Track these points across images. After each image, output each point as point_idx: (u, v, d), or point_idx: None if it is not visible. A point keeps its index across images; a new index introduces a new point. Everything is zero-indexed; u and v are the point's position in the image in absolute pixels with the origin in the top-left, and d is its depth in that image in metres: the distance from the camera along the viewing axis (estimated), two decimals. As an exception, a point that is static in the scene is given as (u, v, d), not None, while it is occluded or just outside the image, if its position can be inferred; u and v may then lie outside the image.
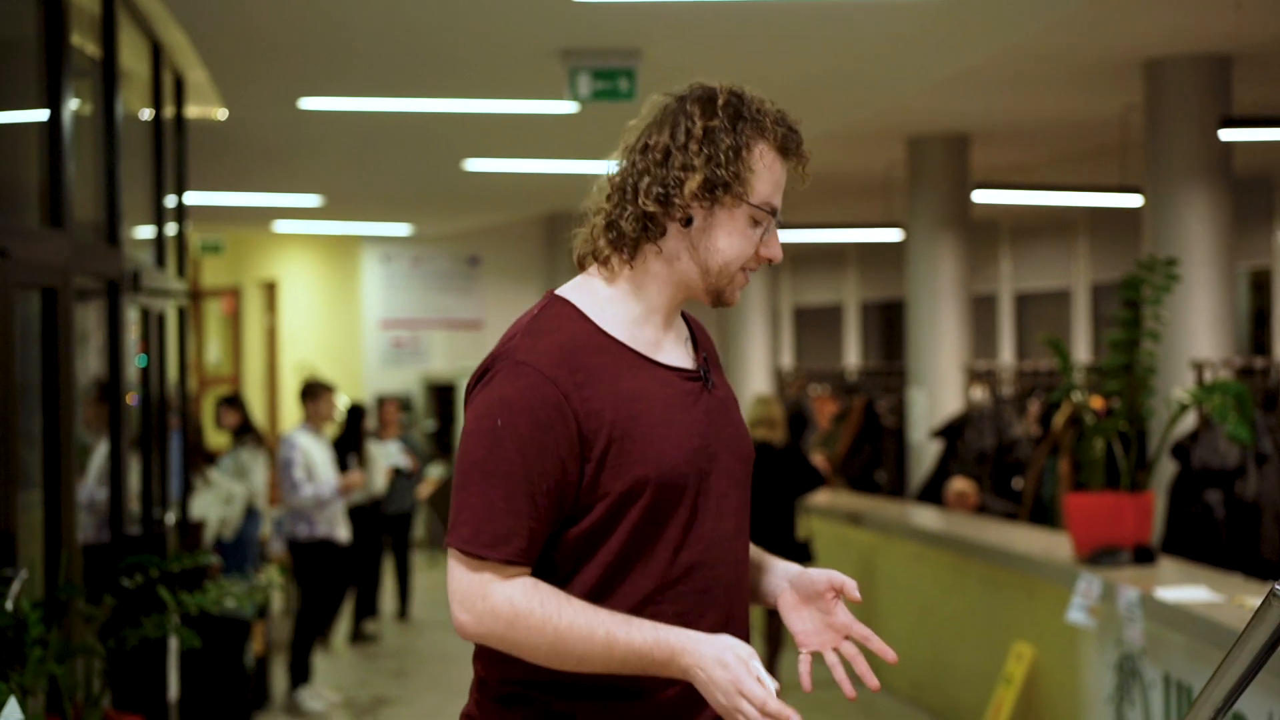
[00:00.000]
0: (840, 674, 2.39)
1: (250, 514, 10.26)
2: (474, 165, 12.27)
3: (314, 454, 9.52)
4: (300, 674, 9.48)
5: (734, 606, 2.36)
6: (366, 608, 11.92)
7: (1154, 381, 7.06)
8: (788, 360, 19.15)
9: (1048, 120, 11.81)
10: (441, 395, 18.09)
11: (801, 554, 9.56)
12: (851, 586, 2.34)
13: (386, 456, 11.67)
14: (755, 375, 15.26)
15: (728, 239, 2.31)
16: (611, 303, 2.34)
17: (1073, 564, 7.07)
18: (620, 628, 2.18)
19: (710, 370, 2.43)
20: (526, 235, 18.79)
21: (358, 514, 10.85)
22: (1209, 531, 8.66)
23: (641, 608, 2.25)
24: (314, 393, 9.64)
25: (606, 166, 2.39)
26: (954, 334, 12.62)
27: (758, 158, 2.31)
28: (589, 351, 2.26)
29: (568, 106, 9.36)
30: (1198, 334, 9.39)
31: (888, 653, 2.33)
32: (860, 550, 10.17)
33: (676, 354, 2.38)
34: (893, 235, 14.45)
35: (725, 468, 2.36)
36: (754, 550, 2.53)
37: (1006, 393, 12.55)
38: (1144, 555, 6.95)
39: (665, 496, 2.25)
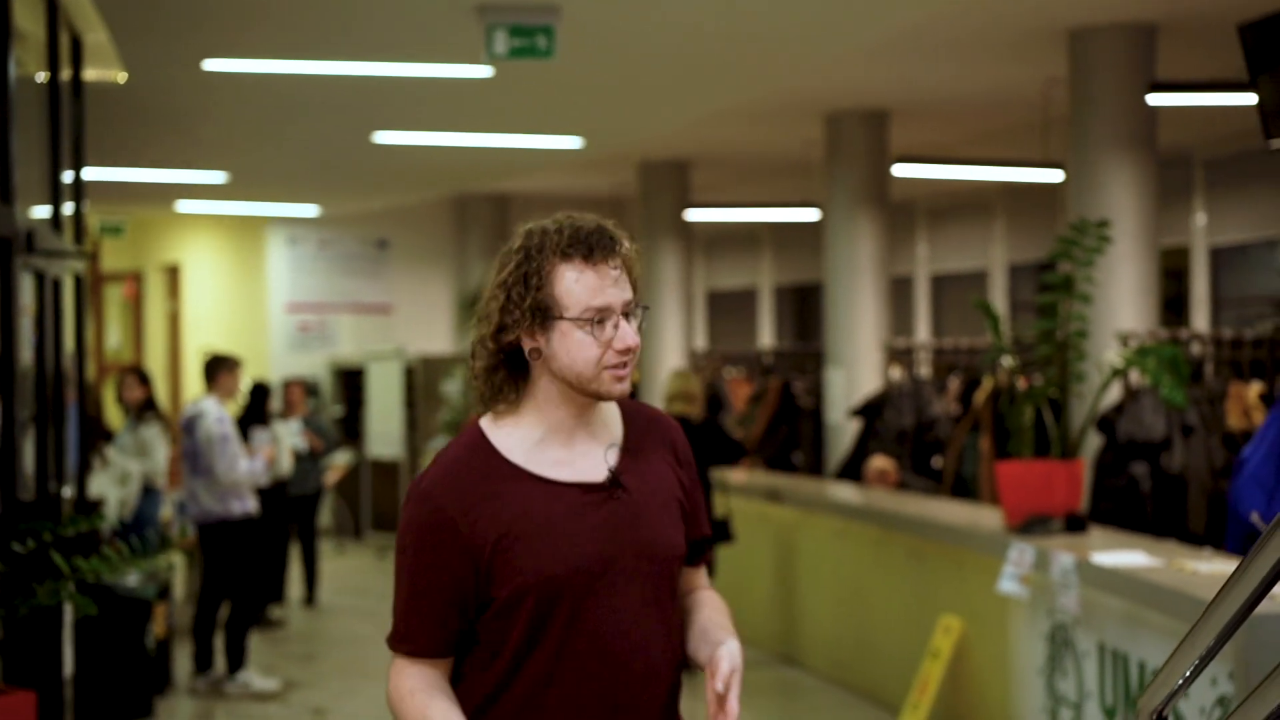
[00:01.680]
0: None
1: (149, 493, 9.90)
2: (384, 138, 11.95)
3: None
4: (237, 658, 9.15)
5: (627, 692, 2.61)
6: (272, 593, 11.58)
7: (1085, 346, 6.90)
8: (701, 343, 18.97)
9: (969, 95, 11.67)
10: (349, 380, 17.73)
11: (720, 532, 9.35)
12: (720, 674, 2.52)
13: (289, 435, 11.33)
14: (669, 358, 15.05)
15: (569, 355, 2.56)
16: (517, 428, 2.63)
17: (1003, 534, 6.91)
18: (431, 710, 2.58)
19: (624, 475, 2.65)
20: (436, 218, 18.47)
21: (262, 496, 10.50)
22: (1135, 504, 8.54)
23: (539, 690, 2.59)
24: (226, 366, 9.31)
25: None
26: (872, 313, 12.47)
27: (563, 278, 2.54)
28: (481, 477, 2.58)
29: (482, 70, 9.09)
30: (1122, 307, 9.27)
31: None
32: (780, 527, 9.98)
33: (581, 467, 2.63)
34: (810, 215, 14.31)
35: (626, 569, 2.61)
36: (701, 605, 2.79)
37: (924, 372, 12.43)
38: (1075, 524, 6.80)
39: (546, 598, 2.56)
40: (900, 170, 11.38)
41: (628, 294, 2.60)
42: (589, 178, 16.42)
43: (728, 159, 14.80)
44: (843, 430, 12.27)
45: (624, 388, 2.62)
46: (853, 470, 11.54)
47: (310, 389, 16.42)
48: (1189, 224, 12.98)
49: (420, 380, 16.57)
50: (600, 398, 2.62)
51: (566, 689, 2.58)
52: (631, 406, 2.77)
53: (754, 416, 13.98)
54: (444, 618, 2.59)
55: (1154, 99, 8.58)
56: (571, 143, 12.34)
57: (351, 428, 17.39)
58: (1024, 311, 15.38)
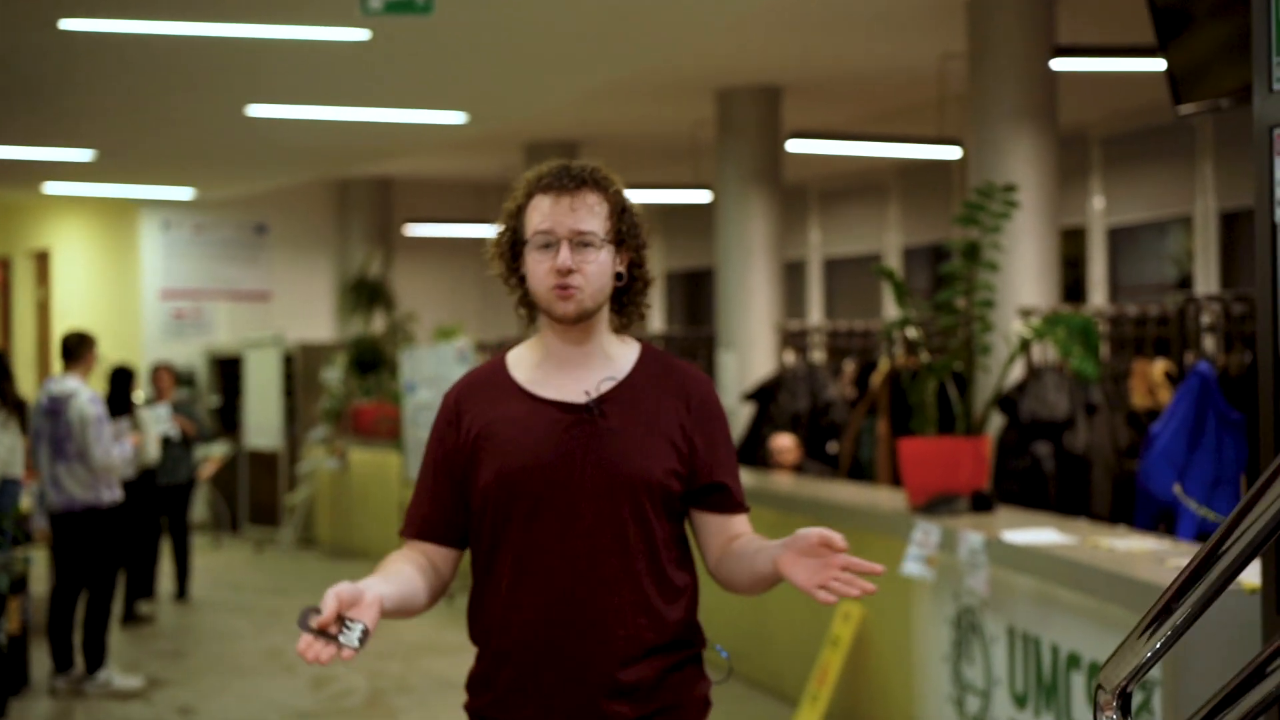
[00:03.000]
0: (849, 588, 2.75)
1: (6, 485, 9.33)
2: (258, 111, 11.44)
3: (94, 411, 8.65)
4: (97, 656, 8.62)
5: (585, 594, 2.81)
6: (141, 588, 11.04)
7: (991, 317, 6.60)
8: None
9: (864, 71, 11.40)
10: (226, 369, 17.16)
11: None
12: (838, 538, 2.74)
13: (157, 422, 10.78)
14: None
15: (530, 276, 2.87)
16: (528, 351, 2.96)
17: (906, 514, 6.58)
18: (380, 579, 2.77)
19: (608, 404, 2.86)
20: (317, 202, 17.96)
21: (130, 486, 9.94)
22: (1038, 485, 8.27)
23: (512, 591, 2.83)
24: (88, 343, 8.78)
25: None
26: (765, 296, 12.17)
27: (529, 209, 2.87)
28: (486, 385, 2.93)
29: (359, 33, 8.65)
30: (1023, 283, 9.01)
31: (875, 567, 2.72)
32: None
33: (568, 390, 2.88)
34: (701, 197, 13.99)
35: (588, 485, 2.82)
36: (751, 541, 2.97)
37: (818, 356, 12.15)
38: (982, 503, 6.50)
39: (506, 494, 2.83)
40: (794, 146, 11.06)
41: (584, 224, 2.82)
42: (475, 160, 16.01)
43: (616, 140, 14.44)
44: (736, 415, 11.94)
45: (568, 308, 2.82)
46: (745, 455, 11.21)
47: (184, 379, 15.86)
48: (1085, 205, 12.80)
49: (300, 369, 16.05)
50: (554, 319, 2.85)
51: (533, 590, 2.79)
52: (655, 354, 2.99)
53: (644, 403, 13.59)
54: (435, 505, 2.90)
55: (1058, 64, 8.33)
56: (455, 118, 11.90)
57: (228, 418, 16.84)
58: (918, 296, 15.17)
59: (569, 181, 2.84)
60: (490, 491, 2.84)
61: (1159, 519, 7.13)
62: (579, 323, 2.86)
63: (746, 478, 9.41)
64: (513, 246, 2.90)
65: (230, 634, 10.46)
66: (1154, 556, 5.01)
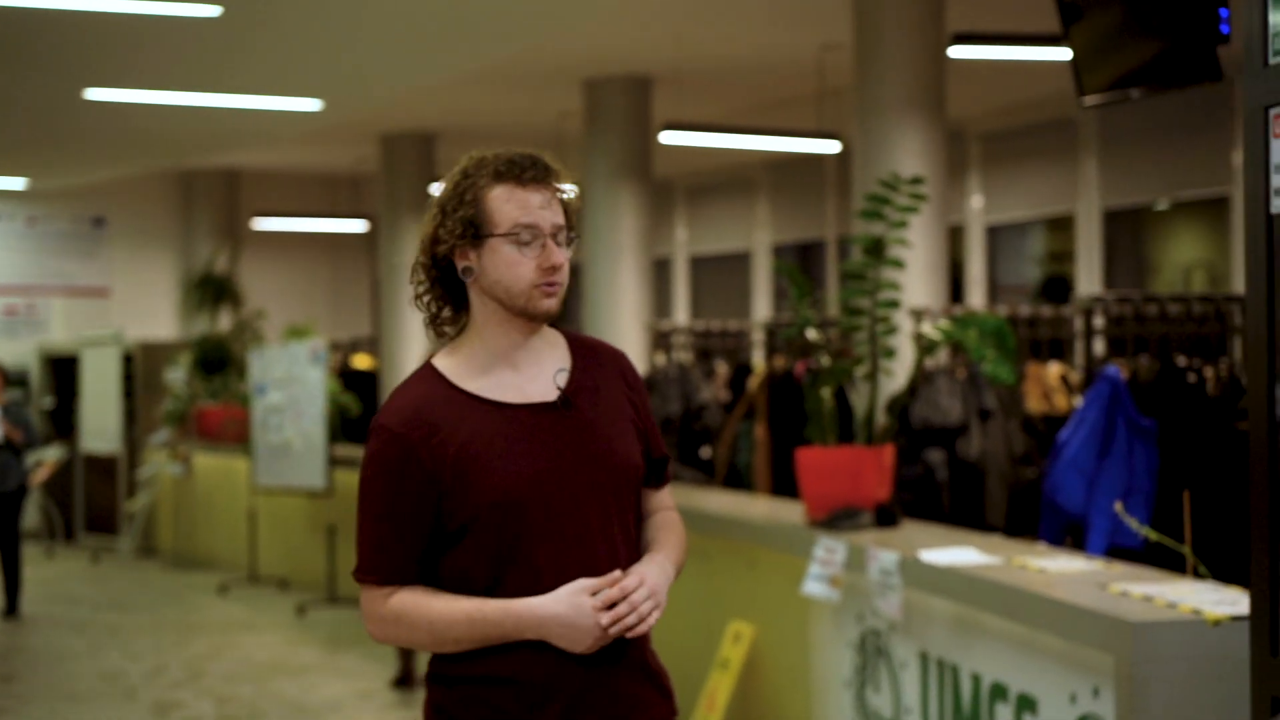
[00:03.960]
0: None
1: None
2: (96, 95, 10.71)
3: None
4: None
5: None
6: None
7: (895, 318, 6.18)
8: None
9: (738, 62, 10.97)
10: (61, 369, 16.31)
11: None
12: (613, 581, 2.69)
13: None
14: (413, 346, 14.12)
15: (499, 271, 2.68)
16: (466, 359, 2.74)
17: (804, 529, 6.13)
18: (475, 606, 2.66)
19: (575, 396, 2.77)
20: (159, 194, 17.22)
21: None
22: (930, 495, 7.89)
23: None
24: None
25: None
26: (634, 294, 11.73)
27: (494, 198, 2.68)
28: (436, 405, 2.69)
29: (209, 9, 8.02)
30: (911, 283, 8.61)
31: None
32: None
33: (530, 390, 2.74)
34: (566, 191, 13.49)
35: (584, 482, 2.73)
36: (659, 519, 2.91)
37: (683, 357, 11.73)
38: (886, 517, 6.07)
39: (510, 515, 2.68)
40: (668, 138, 10.60)
41: (559, 219, 2.72)
42: (328, 151, 15.39)
43: (478, 131, 13.92)
44: (603, 419, 11.44)
45: (551, 304, 2.70)
46: (615, 461, 10.72)
47: (15, 379, 15.02)
48: (964, 203, 12.52)
49: (141, 369, 15.31)
50: (529, 315, 2.71)
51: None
52: (576, 336, 2.89)
53: (506, 405, 13.08)
54: (409, 545, 2.70)
55: (956, 51, 7.97)
56: (309, 105, 11.28)
57: (63, 421, 16.00)
58: (787, 297, 14.83)
59: (544, 174, 2.74)
60: (490, 513, 2.68)
61: (1066, 532, 6.77)
62: (547, 321, 2.77)
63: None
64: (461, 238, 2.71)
65: (65, 654, 9.74)
66: (1091, 579, 4.60)
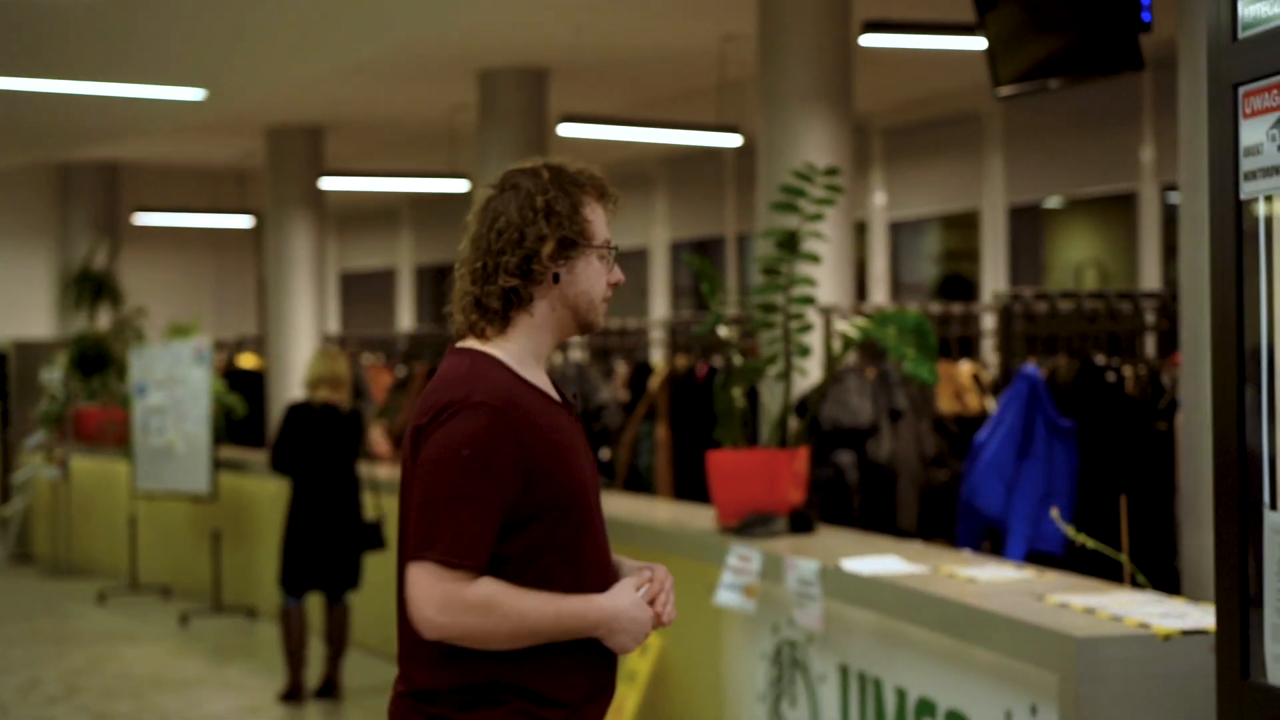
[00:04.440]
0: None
1: None
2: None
3: None
4: None
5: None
6: None
7: (809, 315, 5.93)
8: (334, 327, 17.63)
9: (637, 54, 10.69)
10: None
11: (372, 537, 8.11)
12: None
13: None
14: (300, 344, 13.70)
15: (588, 281, 2.82)
16: (516, 354, 2.79)
17: (715, 535, 5.87)
18: (557, 598, 2.69)
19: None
20: (35, 187, 16.71)
21: None
22: (840, 498, 7.65)
23: (594, 587, 2.75)
24: None
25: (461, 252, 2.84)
26: (530, 291, 11.36)
27: (588, 210, 2.82)
28: (519, 393, 2.73)
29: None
30: (820, 281, 8.38)
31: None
32: (437, 530, 8.76)
33: (553, 392, 2.84)
34: (458, 186, 13.17)
35: (595, 488, 2.86)
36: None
37: (579, 356, 11.44)
38: (801, 523, 5.81)
39: (575, 508, 2.75)
40: (566, 131, 10.29)
41: None
42: (212, 145, 14.94)
43: (368, 124, 13.54)
44: (499, 420, 11.11)
45: (602, 321, 2.88)
46: (511, 464, 10.40)
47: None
48: (867, 199, 12.34)
49: (15, 369, 14.79)
50: (590, 326, 2.85)
51: (602, 589, 2.76)
52: None
53: (398, 405, 12.71)
54: (493, 530, 2.65)
55: (868, 40, 7.75)
56: (192, 94, 10.86)
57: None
58: (685, 295, 14.60)
59: (616, 199, 2.91)
60: (567, 503, 2.71)
61: (984, 536, 6.56)
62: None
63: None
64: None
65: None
66: (1025, 589, 4.37)
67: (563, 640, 2.67)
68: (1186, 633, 3.66)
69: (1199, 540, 5.61)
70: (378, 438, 9.47)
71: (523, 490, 2.65)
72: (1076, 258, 11.80)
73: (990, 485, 6.29)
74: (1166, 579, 5.97)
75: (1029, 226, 11.63)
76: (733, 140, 10.36)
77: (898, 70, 10.39)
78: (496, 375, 2.72)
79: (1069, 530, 4.22)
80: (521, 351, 2.77)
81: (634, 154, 14.25)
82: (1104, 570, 5.66)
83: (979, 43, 6.91)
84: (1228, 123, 2.95)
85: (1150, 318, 7.50)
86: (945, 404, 7.79)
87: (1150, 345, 8.16)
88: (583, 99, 11.76)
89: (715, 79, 10.50)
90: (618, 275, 2.86)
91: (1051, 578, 4.58)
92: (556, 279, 2.77)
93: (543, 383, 2.79)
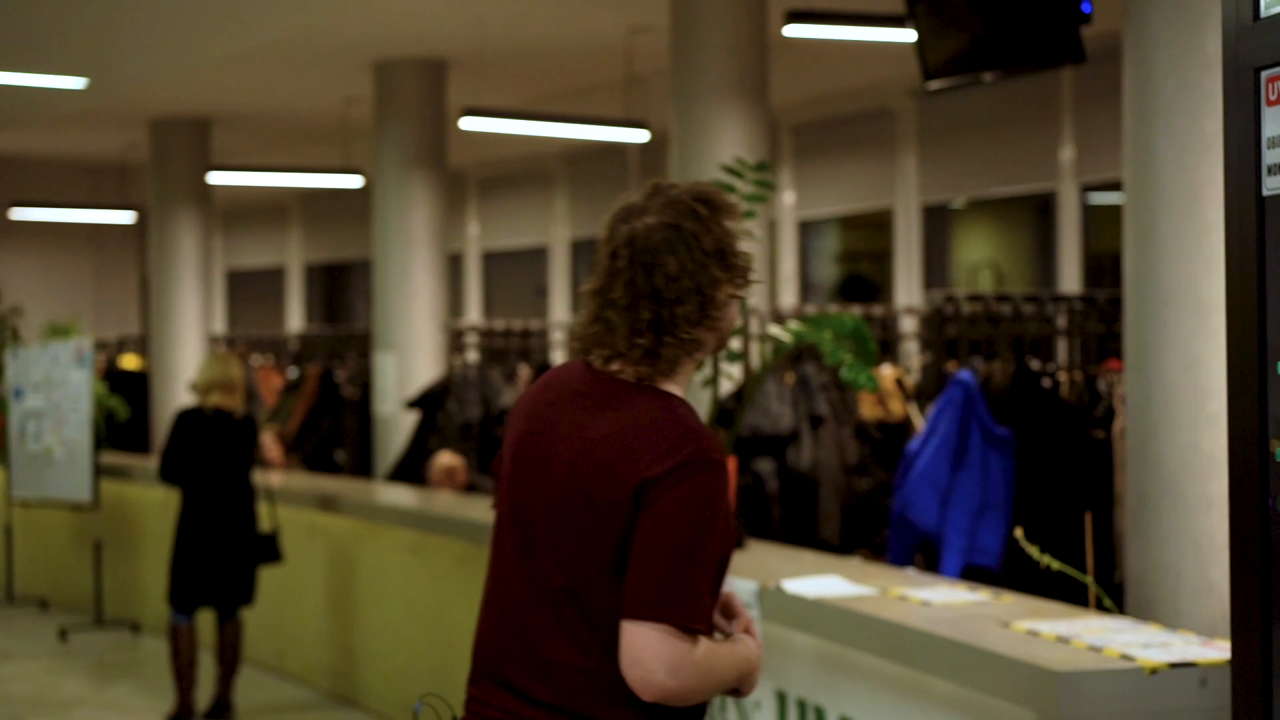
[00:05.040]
0: None
1: None
2: None
3: None
4: None
5: None
6: None
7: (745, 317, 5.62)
8: (221, 327, 17.10)
9: (540, 46, 10.34)
10: None
11: (267, 550, 7.69)
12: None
13: None
14: (186, 345, 13.22)
15: (729, 321, 2.65)
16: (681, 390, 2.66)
17: (639, 551, 5.53)
18: (733, 647, 2.62)
19: None
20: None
21: None
22: (760, 507, 7.35)
23: None
24: None
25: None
26: (428, 291, 11.00)
27: (736, 240, 2.62)
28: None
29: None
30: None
31: None
32: (335, 541, 8.37)
33: None
34: (351, 182, 12.76)
35: None
36: None
37: (473, 358, 11.08)
38: (730, 537, 5.49)
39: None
40: (468, 124, 9.91)
41: None
42: (93, 137, 14.42)
43: (257, 117, 13.09)
44: (396, 424, 10.74)
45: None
46: (409, 470, 10.03)
47: None
48: (777, 198, 12.09)
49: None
50: (722, 349, 2.72)
51: None
52: None
53: (290, 409, 12.27)
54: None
55: (791, 30, 7.47)
56: (71, 83, 10.36)
57: None
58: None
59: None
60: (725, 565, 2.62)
61: (916, 550, 6.29)
62: None
63: (426, 499, 8.24)
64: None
65: None
66: (986, 614, 4.08)
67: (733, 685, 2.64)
68: (1174, 665, 3.39)
69: (1145, 554, 5.36)
70: (269, 443, 9.06)
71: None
72: (973, 258, 11.62)
73: (924, 497, 6.01)
74: (1107, 593, 5.72)
75: (935, 227, 11.41)
76: (639, 136, 10.05)
77: (810, 65, 10.13)
78: (704, 426, 2.58)
79: (1033, 552, 3.94)
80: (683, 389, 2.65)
81: (533, 150, 13.90)
82: (1047, 588, 5.41)
83: (906, 34, 6.64)
84: (1248, 111, 2.67)
85: (1063, 321, 7.29)
86: (868, 410, 7.52)
87: (1065, 350, 7.94)
88: (484, 92, 11.40)
89: (622, 73, 10.18)
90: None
91: (1010, 600, 4.29)
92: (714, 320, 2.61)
93: None
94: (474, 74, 11.09)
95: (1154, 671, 3.38)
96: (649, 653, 2.46)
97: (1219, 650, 3.49)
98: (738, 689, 2.66)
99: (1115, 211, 10.72)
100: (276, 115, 12.99)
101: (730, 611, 2.70)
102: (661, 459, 2.50)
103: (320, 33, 9.87)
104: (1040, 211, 11.29)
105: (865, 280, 12.62)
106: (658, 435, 2.53)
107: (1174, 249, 5.34)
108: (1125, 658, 3.44)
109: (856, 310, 8.16)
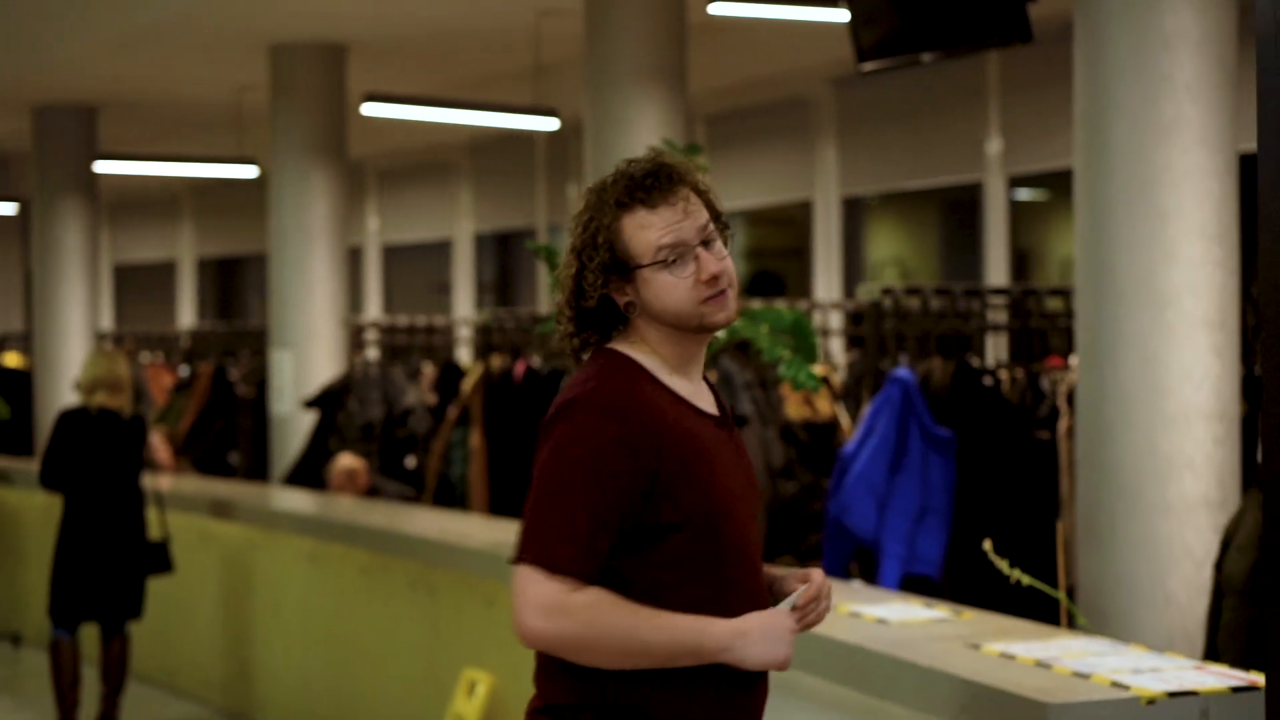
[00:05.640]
0: None
1: None
2: None
3: None
4: None
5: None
6: None
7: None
8: (108, 324, 16.54)
9: (444, 30, 9.91)
10: None
11: (158, 559, 7.23)
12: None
13: None
14: (72, 342, 12.71)
15: (660, 300, 2.53)
16: (649, 355, 2.57)
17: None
18: (681, 616, 2.46)
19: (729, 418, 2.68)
20: None
21: None
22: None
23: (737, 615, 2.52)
24: None
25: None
26: (327, 286, 10.55)
27: (627, 229, 2.53)
28: (650, 396, 2.52)
29: None
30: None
31: None
32: (229, 549, 7.92)
33: (705, 402, 2.61)
34: (245, 172, 12.27)
35: (748, 508, 2.61)
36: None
37: (372, 355, 10.65)
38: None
39: (715, 525, 2.52)
40: (370, 110, 9.45)
41: (699, 220, 2.57)
42: (-29, 125, 13.78)
43: (145, 104, 12.58)
44: (293, 424, 10.28)
45: (727, 314, 2.58)
46: (307, 474, 9.58)
47: None
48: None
49: None
50: (706, 329, 2.58)
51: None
52: None
53: (180, 410, 11.78)
54: (608, 539, 2.47)
55: (716, 9, 7.15)
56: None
57: None
58: (489, 291, 13.89)
59: (669, 183, 2.57)
60: (702, 520, 2.50)
61: (852, 558, 5.95)
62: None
63: (327, 505, 7.82)
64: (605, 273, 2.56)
65: None
66: (950, 634, 3.74)
67: (686, 664, 2.45)
68: (1173, 695, 3.06)
69: (1098, 563, 5.07)
70: (158, 444, 8.60)
71: (642, 502, 2.46)
72: (878, 256, 11.36)
73: (862, 502, 5.68)
74: (1049, 601, 5.42)
75: (850, 222, 11.10)
76: (550, 124, 9.67)
77: (726, 52, 9.80)
78: (626, 375, 2.52)
79: (1002, 565, 3.60)
80: (659, 355, 2.56)
81: (437, 140, 13.48)
82: (989, 599, 5.10)
83: (838, 14, 6.32)
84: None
85: (992, 316, 7.01)
86: (794, 410, 7.18)
87: (993, 347, 7.68)
88: (385, 79, 10.95)
89: (530, 60, 9.80)
90: (705, 269, 2.52)
91: (972, 617, 3.95)
92: (633, 308, 2.56)
93: (686, 389, 2.56)
94: (375, 60, 10.66)
95: (1151, 702, 3.05)
96: (518, 593, 2.45)
97: (1217, 677, 3.17)
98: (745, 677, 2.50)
99: (1036, 208, 10.49)
100: (167, 102, 12.46)
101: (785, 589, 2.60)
102: (553, 406, 2.55)
103: (213, 15, 9.43)
104: (948, 208, 11.03)
105: (773, 275, 12.34)
106: (567, 386, 2.59)
107: (1129, 238, 5.06)
108: (1117, 685, 3.11)
109: (781, 306, 7.83)
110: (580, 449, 2.45)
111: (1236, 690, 3.09)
